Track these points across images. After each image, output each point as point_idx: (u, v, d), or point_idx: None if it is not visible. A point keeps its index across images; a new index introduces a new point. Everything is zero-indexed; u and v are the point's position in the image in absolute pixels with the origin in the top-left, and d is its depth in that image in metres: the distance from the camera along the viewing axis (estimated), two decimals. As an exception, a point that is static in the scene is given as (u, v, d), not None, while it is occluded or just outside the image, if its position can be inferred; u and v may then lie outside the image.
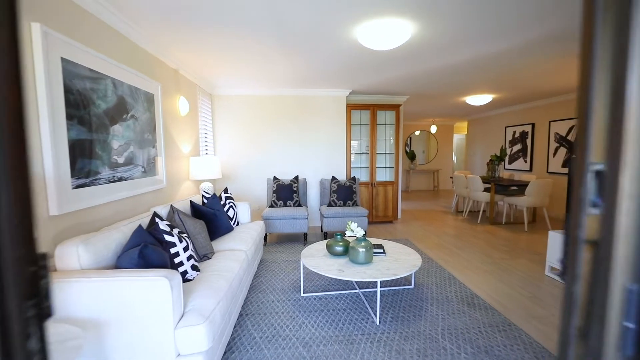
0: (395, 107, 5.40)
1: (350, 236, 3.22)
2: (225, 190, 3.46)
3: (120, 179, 2.40)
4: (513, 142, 7.00)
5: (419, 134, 10.39)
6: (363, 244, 2.52)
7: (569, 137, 5.58)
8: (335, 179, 4.71)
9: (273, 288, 2.91)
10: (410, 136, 10.31)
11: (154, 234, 1.87)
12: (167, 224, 2.06)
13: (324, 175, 5.36)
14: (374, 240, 3.15)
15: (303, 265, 3.21)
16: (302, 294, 2.78)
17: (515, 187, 5.77)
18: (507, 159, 7.29)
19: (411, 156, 10.11)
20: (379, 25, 2.51)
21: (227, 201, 3.35)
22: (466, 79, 4.38)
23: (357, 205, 4.61)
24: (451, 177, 6.28)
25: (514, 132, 6.95)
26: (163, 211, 2.48)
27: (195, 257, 2.11)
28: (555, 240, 3.13)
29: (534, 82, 4.64)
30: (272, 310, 2.50)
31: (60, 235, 1.80)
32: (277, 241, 4.48)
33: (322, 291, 2.85)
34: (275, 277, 3.17)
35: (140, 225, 1.84)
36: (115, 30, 2.38)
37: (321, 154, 5.31)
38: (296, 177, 4.63)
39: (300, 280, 3.05)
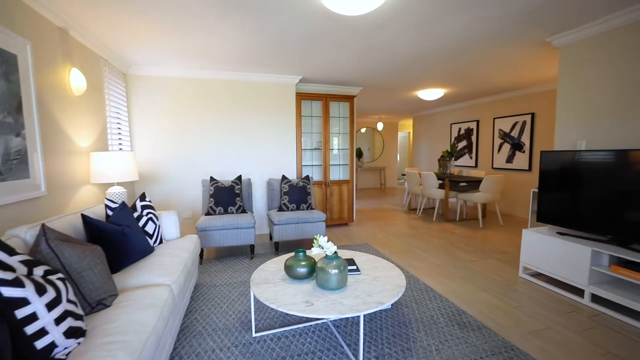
0: (349, 99, 4.92)
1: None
2: (142, 197, 2.55)
3: (-61, 186, 1.42)
4: (459, 139, 7.09)
5: (365, 131, 10.21)
6: (335, 263, 1.91)
7: (512, 134, 5.72)
8: (286, 178, 4.04)
9: (213, 328, 2.14)
10: (355, 133, 10.07)
11: (-20, 286, 1.01)
12: (20, 261, 1.20)
13: (272, 175, 4.64)
14: (342, 253, 2.57)
15: (254, 298, 2.50)
16: (254, 334, 2.07)
17: (465, 184, 5.75)
18: (452, 155, 7.39)
19: (358, 154, 9.87)
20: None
21: (144, 212, 2.46)
22: (424, 68, 4.06)
23: (312, 208, 4.00)
24: (403, 175, 6.07)
25: (460, 128, 7.04)
26: (28, 235, 1.56)
27: (79, 312, 1.28)
28: (529, 239, 2.91)
29: (485, 77, 4.54)
30: (212, 367, 1.76)
31: None
32: (217, 256, 3.65)
33: (280, 326, 2.17)
34: (216, 309, 2.39)
35: (-55, 274, 0.96)
36: None
37: (268, 149, 4.58)
38: (239, 178, 3.85)
39: (250, 313, 2.33)
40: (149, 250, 2.26)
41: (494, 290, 2.71)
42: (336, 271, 1.88)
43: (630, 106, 2.53)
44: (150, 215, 2.48)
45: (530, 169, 5.41)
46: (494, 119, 6.08)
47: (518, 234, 4.52)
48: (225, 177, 4.43)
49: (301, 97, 4.67)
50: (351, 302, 1.74)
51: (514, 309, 2.40)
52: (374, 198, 8.19)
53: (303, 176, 4.78)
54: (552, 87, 5.03)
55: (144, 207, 2.50)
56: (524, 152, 5.49)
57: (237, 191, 3.74)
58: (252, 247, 3.56)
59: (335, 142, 5.13)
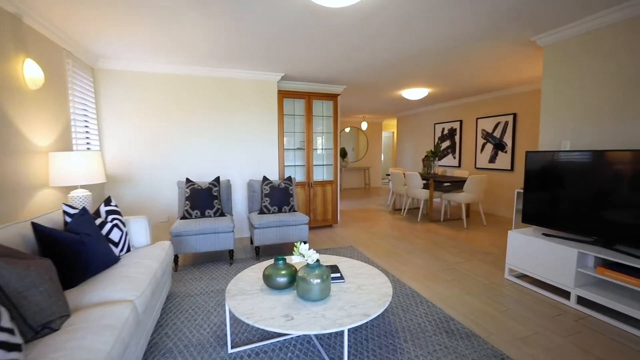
0: (333, 97, 4.79)
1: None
2: (107, 202, 2.34)
3: None
4: (442, 139, 7.10)
5: (349, 131, 10.13)
6: (317, 272, 1.77)
7: (494, 134, 5.76)
8: (267, 179, 3.88)
9: (185, 344, 1.96)
10: (339, 133, 9.98)
11: None
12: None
13: (252, 176, 4.46)
14: (325, 259, 2.43)
15: (230, 312, 2.32)
16: (230, 350, 1.91)
17: (448, 184, 5.74)
18: (435, 155, 7.40)
19: (342, 153, 9.78)
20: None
21: (109, 217, 2.25)
22: (408, 67, 3.99)
23: (294, 210, 3.85)
24: (387, 175, 6.01)
25: (443, 128, 7.05)
26: (-40, 249, 1.35)
27: (15, 341, 1.09)
28: (515, 241, 2.86)
29: (469, 76, 4.52)
30: (181, 391, 1.59)
31: None
32: (193, 262, 3.44)
33: (259, 340, 2.01)
34: (190, 322, 2.21)
35: None
36: None
37: (248, 149, 4.40)
38: (217, 179, 3.65)
39: (226, 326, 2.16)
40: (114, 260, 2.06)
41: (480, 293, 2.65)
42: (318, 281, 1.75)
43: (618, 106, 2.51)
44: (115, 222, 2.26)
45: (512, 169, 5.45)
46: (477, 119, 6.11)
47: (502, 234, 4.53)
48: (204, 178, 4.22)
49: (283, 95, 4.51)
50: (334, 315, 1.61)
51: (501, 313, 2.34)
52: (358, 198, 8.12)
53: (285, 177, 4.62)
54: (533, 87, 5.07)
55: (108, 213, 2.29)
56: (506, 152, 5.53)
57: (215, 193, 3.54)
58: (231, 252, 3.37)
59: (318, 141, 5.00)
